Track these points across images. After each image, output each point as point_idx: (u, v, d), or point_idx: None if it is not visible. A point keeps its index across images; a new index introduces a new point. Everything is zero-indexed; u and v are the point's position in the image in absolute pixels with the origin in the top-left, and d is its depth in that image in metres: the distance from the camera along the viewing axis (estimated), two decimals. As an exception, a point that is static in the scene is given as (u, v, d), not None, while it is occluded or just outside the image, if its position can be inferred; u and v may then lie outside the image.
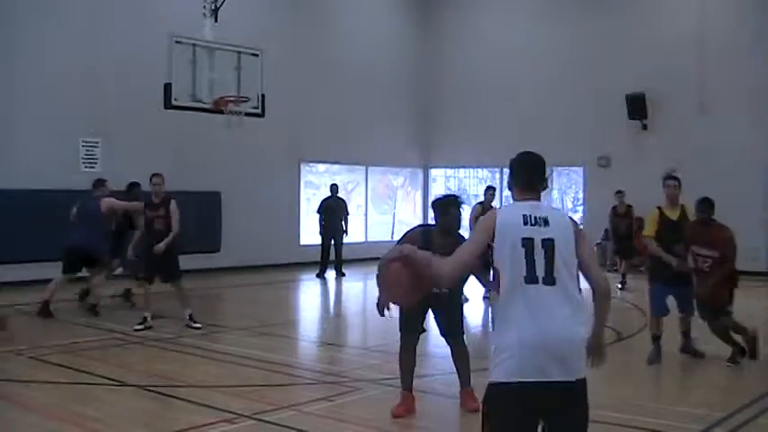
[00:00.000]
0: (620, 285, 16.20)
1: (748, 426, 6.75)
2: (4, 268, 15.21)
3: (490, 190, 14.90)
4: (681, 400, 7.55)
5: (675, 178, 9.44)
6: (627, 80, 20.47)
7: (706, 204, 9.11)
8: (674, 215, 9.27)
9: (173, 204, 11.16)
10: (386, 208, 25.04)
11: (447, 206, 7.02)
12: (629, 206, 17.16)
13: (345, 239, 18.84)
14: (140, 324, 10.97)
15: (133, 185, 13.54)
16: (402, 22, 24.56)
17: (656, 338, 9.28)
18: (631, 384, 8.35)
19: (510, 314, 3.87)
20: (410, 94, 24.58)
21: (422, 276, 4.15)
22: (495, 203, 14.87)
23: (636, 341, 10.78)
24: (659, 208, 9.38)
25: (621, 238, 17.14)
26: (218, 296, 16.50)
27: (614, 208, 17.37)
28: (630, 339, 10.83)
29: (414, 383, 7.24)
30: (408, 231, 7.21)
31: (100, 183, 13.11)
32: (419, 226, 7.35)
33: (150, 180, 11.34)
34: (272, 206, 19.56)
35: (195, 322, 11.22)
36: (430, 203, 7.46)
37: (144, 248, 11.38)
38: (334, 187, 18.77)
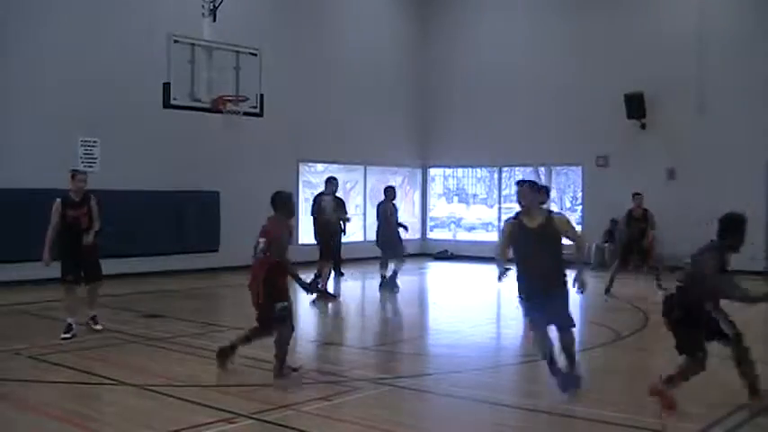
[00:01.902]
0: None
1: (748, 425, 6.74)
2: (2, 268, 15.22)
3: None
4: (680, 399, 7.54)
5: (526, 183, 7.97)
6: (625, 79, 20.47)
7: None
8: (532, 223, 7.66)
9: (92, 201, 10.79)
10: (385, 208, 24.99)
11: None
12: (646, 210, 15.86)
13: (343, 239, 18.78)
14: (67, 333, 10.35)
15: (330, 180, 15.24)
16: (401, 21, 24.57)
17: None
18: (631, 383, 8.35)
19: None
20: (409, 94, 24.59)
21: None
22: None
23: (634, 341, 10.80)
24: (517, 217, 7.79)
25: (633, 242, 15.63)
26: (217, 296, 16.52)
27: (630, 211, 15.95)
28: (629, 339, 10.85)
29: (414, 383, 7.21)
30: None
31: (330, 181, 15.13)
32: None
33: (73, 177, 10.82)
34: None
35: (97, 323, 10.88)
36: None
37: (66, 249, 10.64)
38: (330, 186, 18.72)
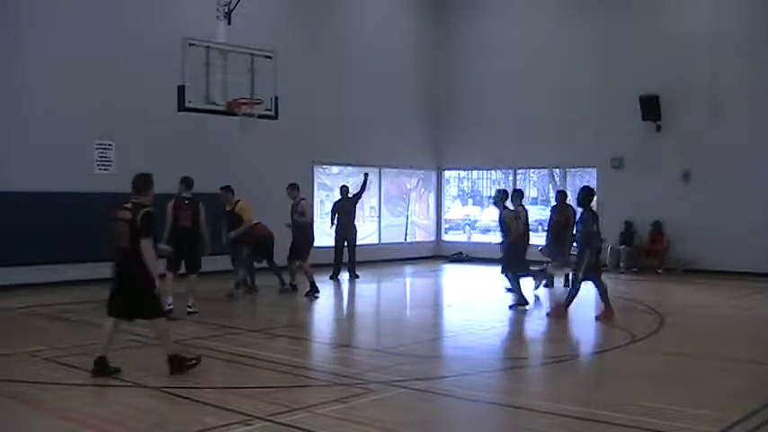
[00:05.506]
0: None
1: (763, 428, 6.70)
2: (17, 270, 15.30)
3: None
4: (696, 402, 7.50)
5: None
6: (640, 81, 20.41)
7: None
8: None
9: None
10: (399, 210, 25.03)
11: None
12: None
13: (358, 241, 18.84)
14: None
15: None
16: (415, 24, 24.57)
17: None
18: (648, 387, 8.30)
19: None
20: (423, 96, 24.59)
21: None
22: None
23: (650, 343, 10.74)
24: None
25: None
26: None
27: None
28: (645, 341, 10.80)
29: (428, 386, 7.19)
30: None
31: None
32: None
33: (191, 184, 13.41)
34: (286, 208, 19.58)
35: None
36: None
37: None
38: (343, 189, 18.76)
